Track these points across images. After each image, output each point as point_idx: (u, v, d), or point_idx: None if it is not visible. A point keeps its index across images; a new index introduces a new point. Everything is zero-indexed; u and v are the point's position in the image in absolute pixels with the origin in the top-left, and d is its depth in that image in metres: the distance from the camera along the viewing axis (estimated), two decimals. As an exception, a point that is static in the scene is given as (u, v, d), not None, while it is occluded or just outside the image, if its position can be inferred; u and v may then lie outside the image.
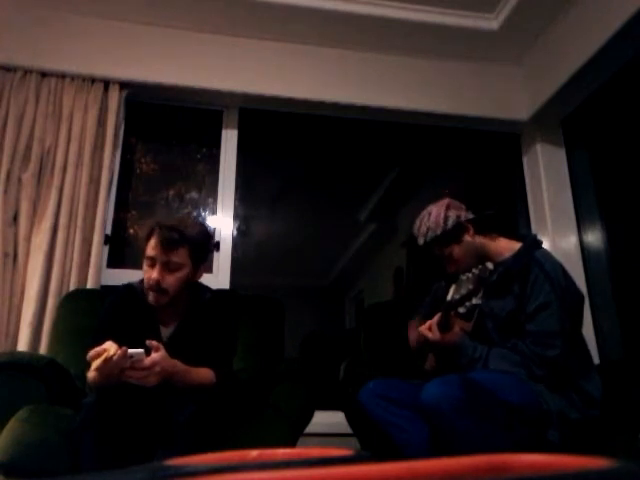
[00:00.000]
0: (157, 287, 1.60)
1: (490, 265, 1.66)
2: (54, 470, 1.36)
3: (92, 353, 1.38)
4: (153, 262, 1.61)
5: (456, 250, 1.77)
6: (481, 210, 1.86)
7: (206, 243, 1.74)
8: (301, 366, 1.88)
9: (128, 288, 1.75)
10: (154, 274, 1.59)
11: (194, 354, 1.58)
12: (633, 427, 1.62)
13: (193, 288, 1.73)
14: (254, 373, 1.93)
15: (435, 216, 1.78)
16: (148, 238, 1.64)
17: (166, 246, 1.59)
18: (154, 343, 1.45)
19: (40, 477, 1.34)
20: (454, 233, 1.76)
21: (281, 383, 1.78)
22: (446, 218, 1.76)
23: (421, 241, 1.80)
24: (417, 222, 1.83)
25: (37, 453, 1.40)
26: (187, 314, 1.71)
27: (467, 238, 1.77)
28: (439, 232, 1.76)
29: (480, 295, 1.70)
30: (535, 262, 1.66)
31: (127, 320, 1.66)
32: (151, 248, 1.62)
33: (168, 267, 1.61)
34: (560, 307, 1.60)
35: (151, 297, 1.62)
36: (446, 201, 1.82)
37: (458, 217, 1.78)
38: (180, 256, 1.62)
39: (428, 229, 1.77)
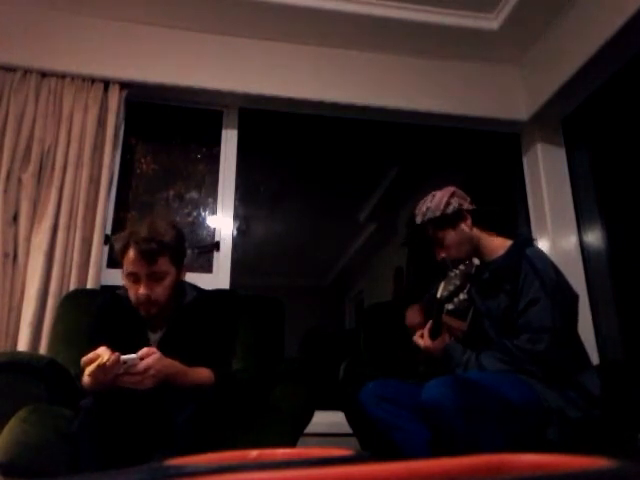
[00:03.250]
0: (147, 301, 1.57)
1: (476, 261, 1.68)
2: (54, 470, 1.36)
3: (85, 359, 1.38)
4: (137, 278, 1.56)
5: (450, 235, 1.78)
6: (483, 206, 1.88)
7: (182, 244, 1.68)
8: (301, 366, 1.88)
9: (113, 296, 1.72)
10: (141, 289, 1.55)
11: (187, 355, 1.56)
12: (633, 427, 1.62)
13: (178, 289, 1.69)
14: (254, 373, 1.93)
15: (438, 199, 1.81)
16: (123, 252, 1.56)
17: (147, 259, 1.53)
18: (145, 350, 1.43)
19: (40, 477, 1.34)
20: (452, 218, 1.78)
21: (281, 383, 1.78)
22: (448, 203, 1.79)
23: (419, 219, 1.81)
24: (420, 202, 1.86)
25: (37, 453, 1.40)
26: (174, 317, 1.68)
27: (464, 227, 1.79)
28: (438, 214, 1.78)
29: (466, 290, 1.72)
30: (526, 259, 1.67)
31: (115, 327, 1.64)
32: (130, 264, 1.55)
33: (154, 278, 1.57)
34: (550, 303, 1.60)
35: (142, 310, 1.60)
36: (452, 189, 1.85)
37: (460, 205, 1.80)
38: (163, 265, 1.57)
39: (428, 209, 1.80)
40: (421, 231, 1.82)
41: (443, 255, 1.80)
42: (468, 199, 1.85)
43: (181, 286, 1.72)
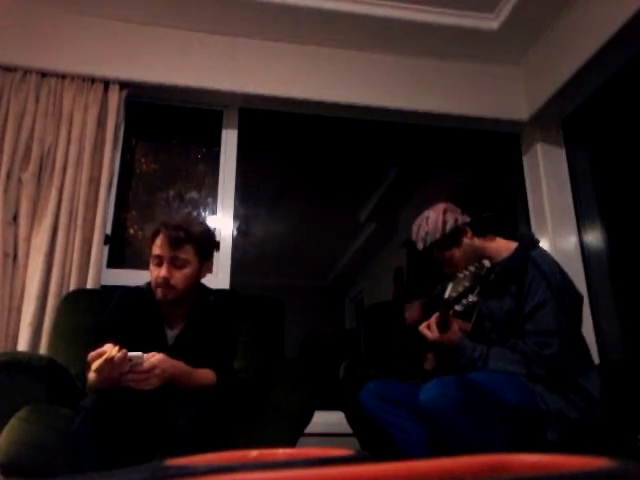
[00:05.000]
0: (165, 283, 1.62)
1: (487, 262, 1.66)
2: (54, 470, 1.36)
3: (92, 354, 1.38)
4: (160, 260, 1.64)
5: (456, 253, 1.77)
6: (478, 212, 1.87)
7: (210, 241, 1.77)
8: (301, 366, 1.88)
9: (136, 290, 1.76)
10: (162, 272, 1.62)
11: (198, 356, 1.59)
12: (633, 427, 1.62)
13: (198, 289, 1.74)
14: (254, 373, 1.93)
15: (433, 220, 1.78)
16: (153, 238, 1.66)
17: (173, 244, 1.62)
18: (151, 353, 1.45)
19: (40, 477, 1.34)
20: (453, 236, 1.77)
21: (281, 383, 1.78)
22: (444, 222, 1.77)
23: (420, 246, 1.79)
24: (415, 227, 1.83)
25: (37, 453, 1.40)
26: (192, 316, 1.71)
27: (466, 241, 1.78)
28: (438, 236, 1.76)
29: (477, 292, 1.71)
30: (532, 262, 1.66)
31: (133, 321, 1.67)
32: (157, 247, 1.64)
33: (175, 264, 1.63)
34: (557, 306, 1.59)
35: (159, 292, 1.64)
36: (442, 205, 1.83)
37: (456, 220, 1.78)
38: (186, 253, 1.64)
39: (427, 234, 1.77)
40: (426, 256, 1.81)
41: (454, 273, 1.78)
42: (459, 211, 1.83)
43: (200, 287, 1.77)
